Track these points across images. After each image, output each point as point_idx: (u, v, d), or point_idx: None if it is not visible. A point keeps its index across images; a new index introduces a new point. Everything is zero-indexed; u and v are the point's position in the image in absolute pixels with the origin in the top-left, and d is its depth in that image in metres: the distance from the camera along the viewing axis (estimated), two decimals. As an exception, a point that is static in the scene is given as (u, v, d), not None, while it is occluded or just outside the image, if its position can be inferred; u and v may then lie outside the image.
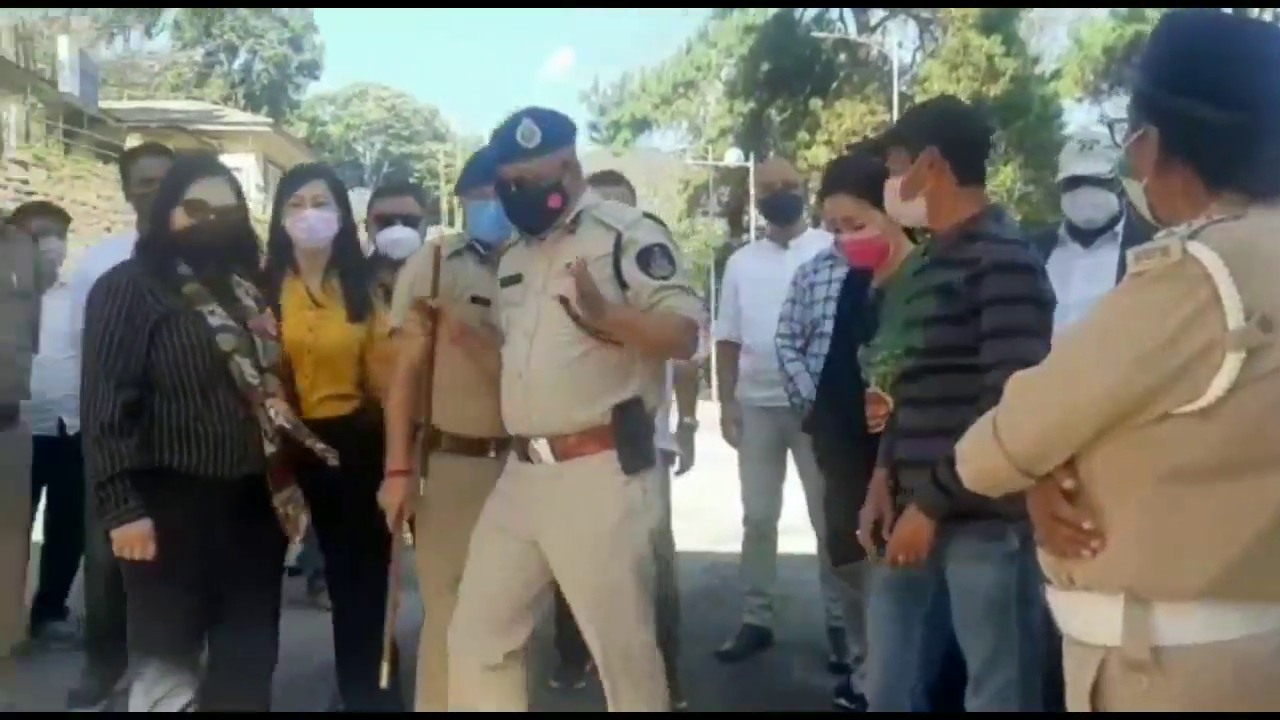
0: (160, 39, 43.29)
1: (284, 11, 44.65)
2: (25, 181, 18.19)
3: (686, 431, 4.20)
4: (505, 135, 2.73)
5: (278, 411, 2.78)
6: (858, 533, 2.63)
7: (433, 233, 4.34)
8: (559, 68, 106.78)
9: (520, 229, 2.85)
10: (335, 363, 3.24)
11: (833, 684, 3.94)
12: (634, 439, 2.73)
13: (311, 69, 48.29)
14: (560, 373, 2.70)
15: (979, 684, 2.39)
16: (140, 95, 35.76)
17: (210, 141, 25.43)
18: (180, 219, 2.77)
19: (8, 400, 3.14)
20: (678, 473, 4.06)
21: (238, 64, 45.36)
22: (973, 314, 2.32)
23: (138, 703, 2.72)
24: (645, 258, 2.70)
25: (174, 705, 2.70)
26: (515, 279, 2.85)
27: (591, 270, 2.60)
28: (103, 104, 27.70)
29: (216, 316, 2.74)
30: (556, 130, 2.75)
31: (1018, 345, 2.21)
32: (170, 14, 41.79)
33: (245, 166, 24.50)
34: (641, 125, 32.21)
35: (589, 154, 19.27)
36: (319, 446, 2.86)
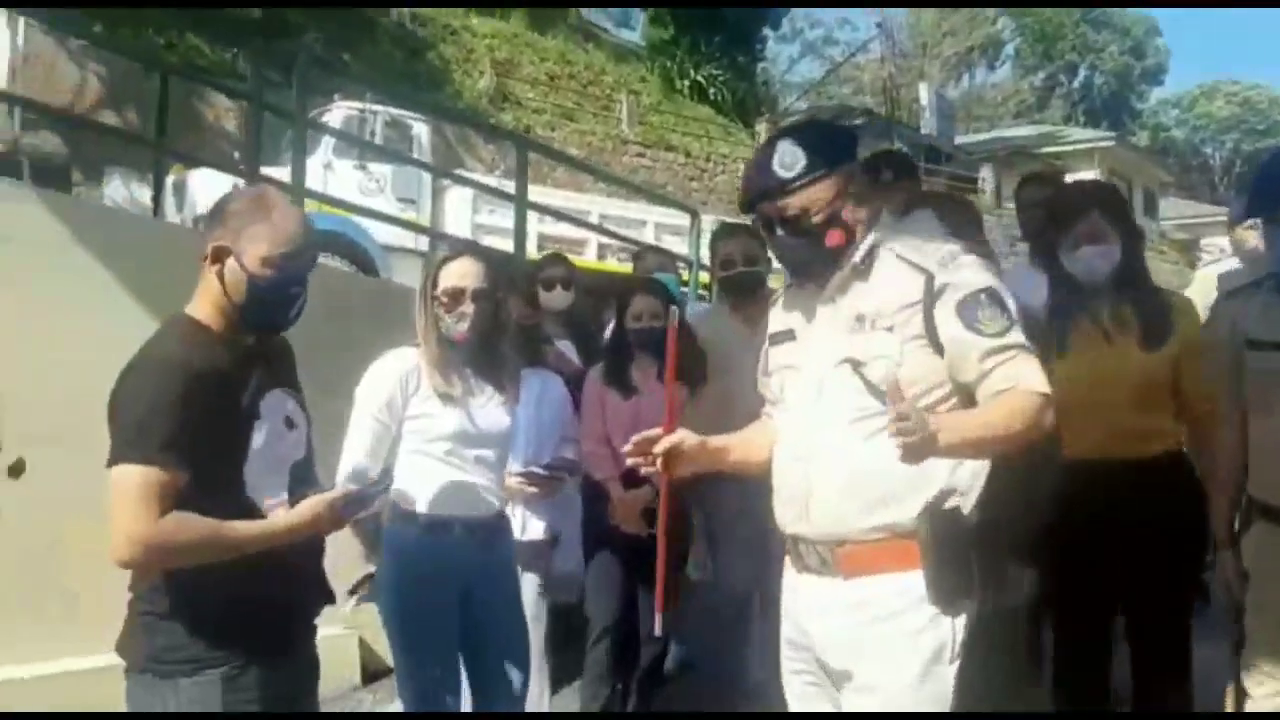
0: (1002, 70, 45.41)
1: (1125, 21, 44.08)
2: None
3: None
4: (761, 163, 2.19)
5: None
6: None
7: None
8: None
9: (793, 277, 2.33)
10: None
11: None
12: (950, 555, 2.06)
13: (1155, 74, 46.87)
14: (850, 459, 2.11)
15: None
16: (984, 127, 37.86)
17: (1054, 162, 26.25)
18: None
19: None
20: None
21: (1077, 82, 45.78)
22: None
23: None
24: (969, 308, 2.06)
25: None
26: (787, 335, 2.32)
27: (896, 329, 2.08)
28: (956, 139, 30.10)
29: None
30: (826, 149, 2.17)
31: None
32: (1010, 45, 43.73)
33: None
34: None
35: None
36: None
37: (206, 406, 2.08)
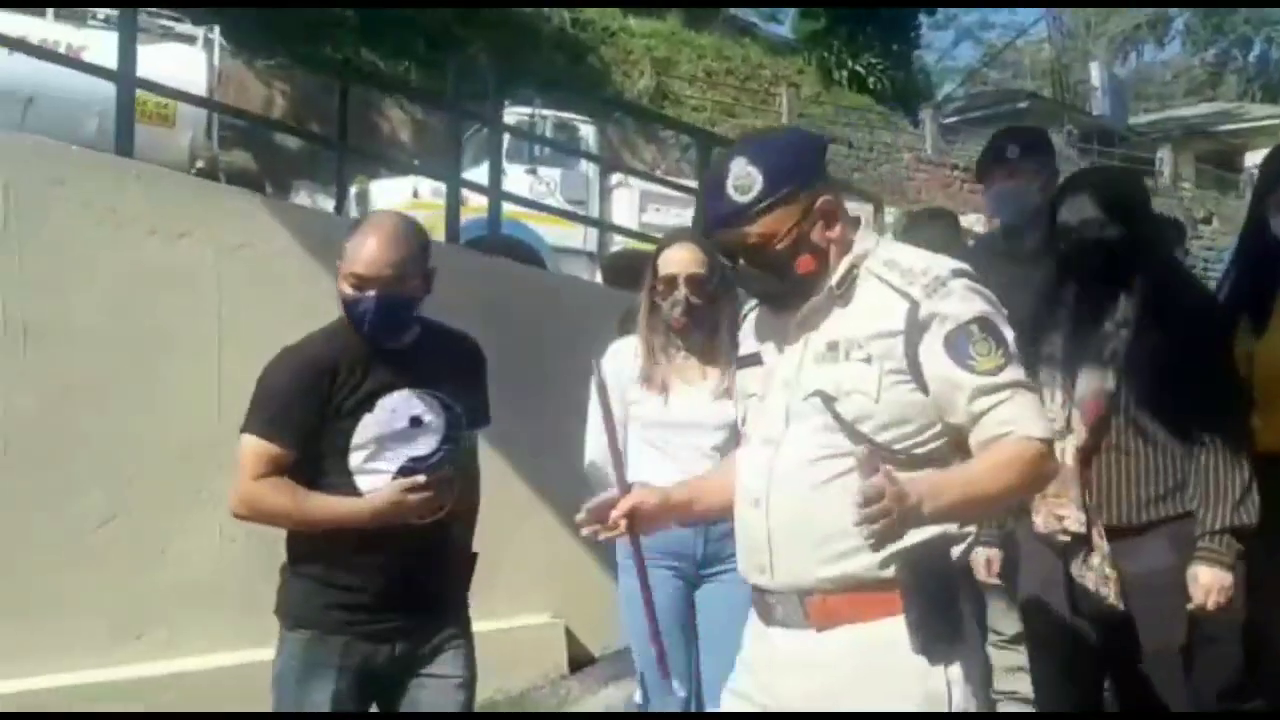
0: (1171, 47, 43.36)
1: (1307, -12, 41.43)
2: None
3: None
4: (713, 188, 1.93)
5: None
6: None
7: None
8: None
9: (766, 308, 2.06)
10: None
11: None
12: (931, 601, 1.81)
13: (1340, 43, 43.93)
14: (811, 505, 1.85)
15: None
16: (1155, 107, 36.28)
17: (1232, 141, 24.91)
18: None
19: None
20: None
21: (1252, 56, 43.28)
22: None
23: None
24: (959, 342, 1.82)
25: None
26: (753, 359, 2.05)
27: (874, 360, 1.83)
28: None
29: None
30: (785, 166, 1.89)
31: None
32: (1179, 21, 41.72)
33: None
34: None
35: None
36: None
37: (318, 396, 2.44)
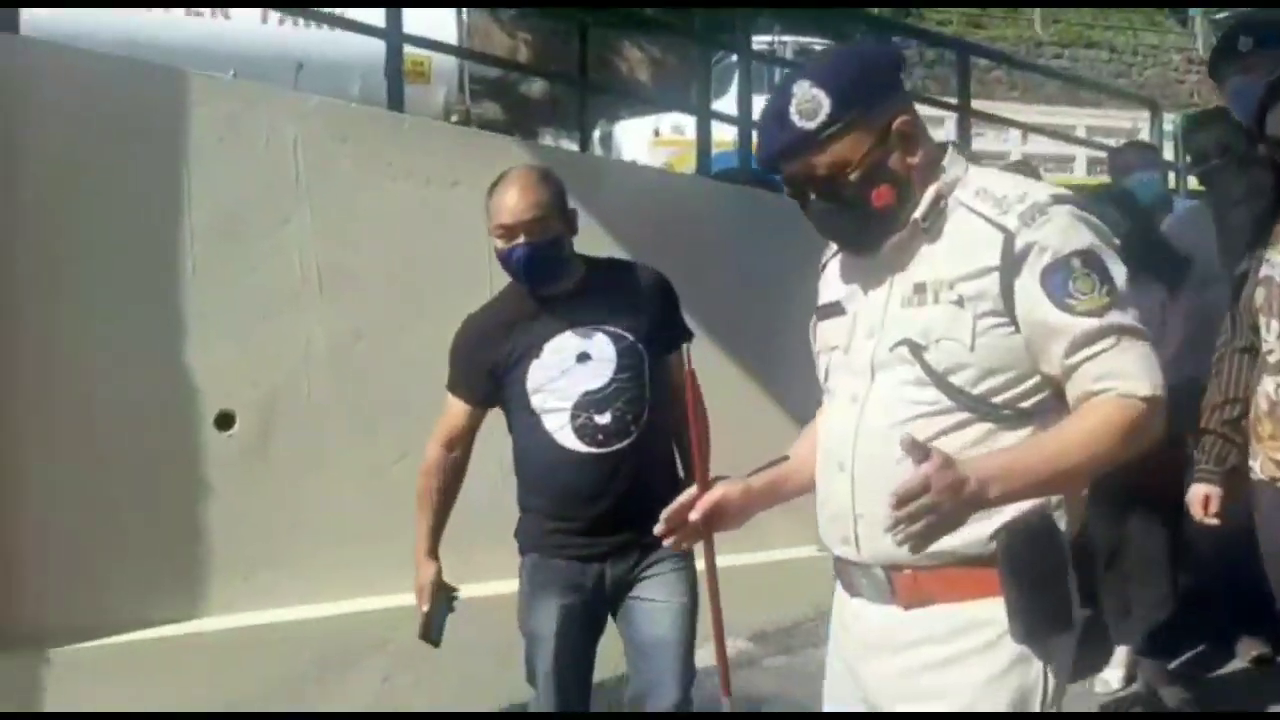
0: None
1: None
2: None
3: None
4: (775, 114, 1.69)
5: None
6: None
7: None
8: None
9: (842, 249, 1.84)
10: None
11: None
12: (1036, 581, 1.61)
13: None
14: (904, 464, 1.55)
15: None
16: None
17: None
18: None
19: None
20: None
21: None
22: None
23: None
24: (1057, 277, 1.59)
25: None
26: (834, 309, 1.83)
27: (966, 303, 1.62)
28: None
29: None
30: (855, 85, 1.66)
31: None
32: None
33: None
34: None
35: None
36: None
37: (487, 356, 2.80)
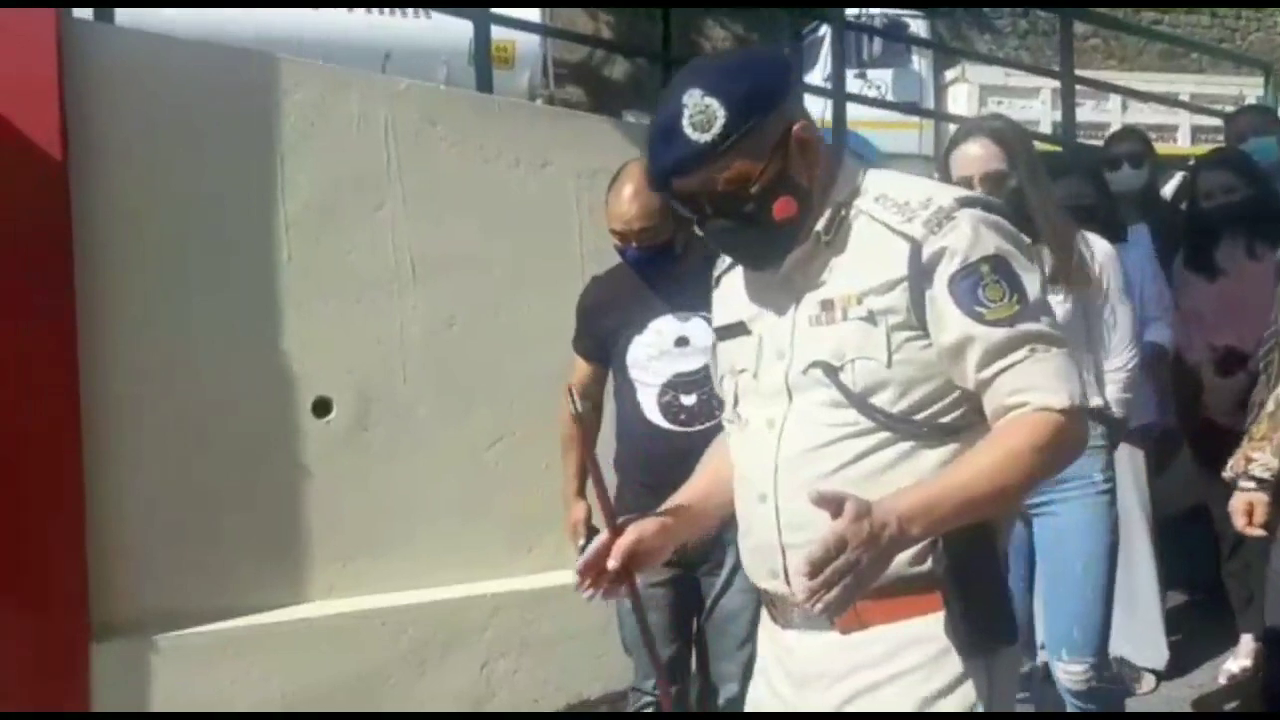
0: None
1: None
2: None
3: None
4: (666, 128, 1.54)
5: None
6: None
7: None
8: None
9: (743, 266, 1.71)
10: None
11: None
12: (980, 591, 1.52)
13: None
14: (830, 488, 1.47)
15: None
16: None
17: None
18: None
19: None
20: None
21: None
22: None
23: None
24: (965, 284, 1.50)
25: None
26: (737, 329, 1.71)
27: (877, 318, 1.53)
28: None
29: None
30: (750, 92, 1.53)
31: None
32: None
33: None
34: None
35: None
36: None
37: (602, 320, 3.05)
